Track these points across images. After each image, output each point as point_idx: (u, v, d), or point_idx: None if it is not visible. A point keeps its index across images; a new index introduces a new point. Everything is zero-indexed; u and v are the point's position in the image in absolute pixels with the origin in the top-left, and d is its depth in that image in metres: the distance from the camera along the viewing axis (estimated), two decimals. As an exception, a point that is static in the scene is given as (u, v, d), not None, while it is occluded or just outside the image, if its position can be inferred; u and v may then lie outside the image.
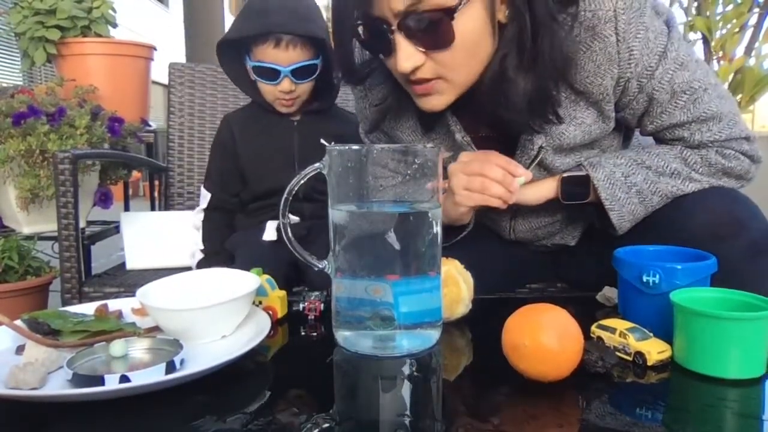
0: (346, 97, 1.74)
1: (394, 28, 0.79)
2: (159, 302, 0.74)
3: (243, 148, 1.32)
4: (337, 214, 0.71)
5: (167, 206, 1.73)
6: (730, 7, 2.46)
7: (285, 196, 0.74)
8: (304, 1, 1.25)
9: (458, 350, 0.78)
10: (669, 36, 0.88)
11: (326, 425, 0.53)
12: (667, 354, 0.66)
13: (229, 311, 0.73)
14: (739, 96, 2.46)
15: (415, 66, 0.81)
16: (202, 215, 1.34)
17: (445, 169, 0.93)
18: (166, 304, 0.74)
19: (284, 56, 1.21)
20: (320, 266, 0.75)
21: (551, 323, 0.61)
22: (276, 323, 0.83)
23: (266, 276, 0.85)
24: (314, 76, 1.26)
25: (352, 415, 0.57)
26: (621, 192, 0.92)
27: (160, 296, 0.75)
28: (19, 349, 0.68)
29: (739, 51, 2.52)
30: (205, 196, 1.34)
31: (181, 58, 4.81)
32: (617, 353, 0.67)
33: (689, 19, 2.54)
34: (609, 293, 0.91)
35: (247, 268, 0.83)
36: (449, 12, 0.77)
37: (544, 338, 0.59)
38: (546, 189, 0.97)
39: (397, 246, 0.68)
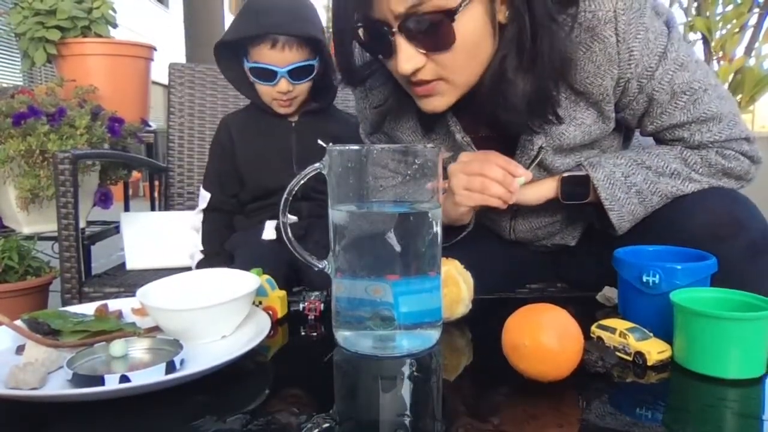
0: (346, 98, 1.74)
1: (394, 30, 0.79)
2: (159, 302, 0.74)
3: (241, 149, 1.33)
4: (337, 214, 0.71)
5: (167, 206, 1.73)
6: (730, 7, 2.46)
7: (285, 196, 0.73)
8: (300, 1, 1.26)
9: (458, 350, 0.78)
10: (669, 36, 0.88)
11: (326, 425, 0.53)
12: (667, 354, 0.66)
13: (229, 311, 0.73)
14: (739, 96, 2.46)
15: (416, 68, 0.81)
16: (201, 216, 1.34)
17: (445, 169, 0.93)
18: (166, 304, 0.74)
19: (281, 57, 1.21)
20: (320, 266, 0.75)
21: (551, 323, 0.61)
22: (276, 323, 0.83)
23: (266, 276, 0.85)
24: (311, 77, 1.27)
25: (352, 415, 0.57)
26: (621, 192, 0.92)
27: (160, 296, 0.75)
28: (19, 349, 0.68)
29: (739, 51, 2.52)
30: (204, 197, 1.34)
31: (181, 58, 4.82)
32: (617, 353, 0.67)
33: (689, 19, 2.54)
34: (609, 293, 0.91)
35: (247, 268, 0.83)
36: (450, 14, 0.77)
37: (544, 338, 0.59)
38: (546, 189, 0.97)
39: (397, 246, 0.68)
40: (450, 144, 1.00)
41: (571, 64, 0.86)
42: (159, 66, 2.00)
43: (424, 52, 0.81)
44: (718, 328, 0.62)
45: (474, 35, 0.80)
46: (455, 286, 0.80)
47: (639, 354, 0.66)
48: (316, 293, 0.87)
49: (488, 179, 0.89)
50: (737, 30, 2.48)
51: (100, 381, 0.57)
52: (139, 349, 0.68)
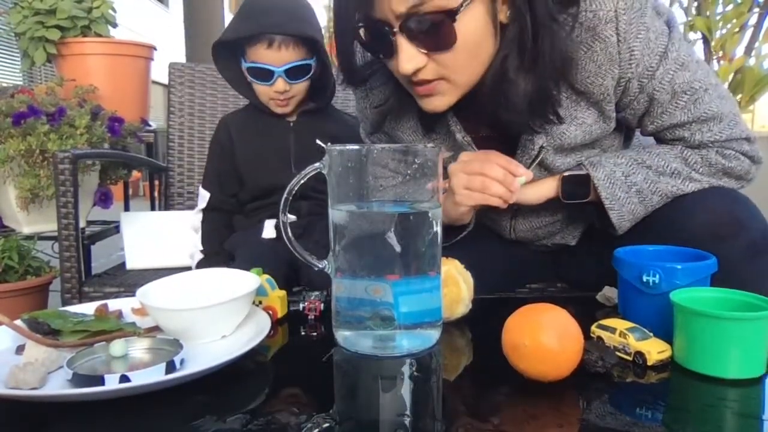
0: (346, 98, 1.74)
1: (395, 29, 0.79)
2: (159, 302, 0.74)
3: (240, 149, 1.33)
4: (337, 214, 0.71)
5: (167, 206, 1.73)
6: (730, 7, 2.46)
7: (285, 195, 0.73)
8: (297, 1, 1.26)
9: (458, 350, 0.78)
10: (670, 36, 0.88)
11: (326, 425, 0.53)
12: (667, 354, 0.66)
13: (229, 311, 0.73)
14: (739, 96, 2.46)
15: (417, 67, 0.81)
16: (200, 216, 1.34)
17: (445, 169, 0.94)
18: (166, 304, 0.74)
19: (277, 56, 1.22)
20: (320, 266, 0.75)
21: (551, 323, 0.61)
22: (276, 323, 0.83)
23: (266, 276, 0.85)
24: (308, 76, 1.27)
25: (352, 415, 0.57)
26: (621, 191, 0.92)
27: (160, 296, 0.75)
28: (19, 349, 0.68)
29: (739, 51, 2.52)
30: (204, 197, 1.35)
31: (181, 58, 4.81)
32: (617, 353, 0.67)
33: (689, 19, 2.54)
34: (609, 293, 0.91)
35: (248, 268, 0.83)
36: (451, 14, 0.77)
37: (544, 338, 0.59)
38: (546, 188, 0.97)
39: (397, 246, 0.68)
40: (450, 144, 1.00)
41: (572, 63, 0.86)
42: (159, 66, 2.00)
43: (425, 52, 0.81)
44: (718, 328, 0.62)
45: (475, 35, 0.80)
46: (455, 286, 0.80)
47: (639, 354, 0.66)
48: (316, 293, 0.87)
49: (489, 179, 0.89)
50: (737, 30, 2.48)
51: (100, 381, 0.57)
52: (139, 349, 0.68)
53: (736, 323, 0.62)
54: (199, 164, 1.72)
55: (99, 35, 1.94)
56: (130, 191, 2.19)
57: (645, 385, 0.63)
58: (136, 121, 1.86)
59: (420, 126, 1.01)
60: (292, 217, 1.26)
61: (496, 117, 0.89)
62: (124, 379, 0.57)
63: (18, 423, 0.57)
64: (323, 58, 1.27)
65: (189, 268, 1.31)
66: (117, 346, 0.66)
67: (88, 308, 0.80)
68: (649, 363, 0.65)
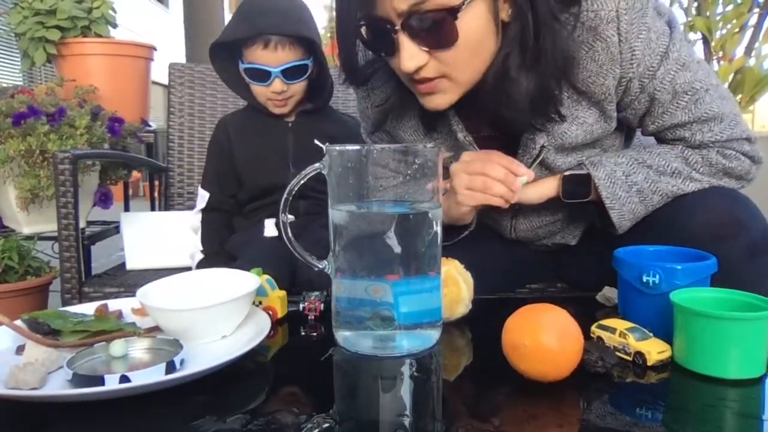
0: (345, 98, 1.74)
1: (397, 27, 0.80)
2: (159, 302, 0.74)
3: (239, 149, 1.34)
4: (337, 214, 0.71)
5: (167, 206, 1.73)
6: (730, 7, 2.47)
7: (285, 196, 0.73)
8: (294, 2, 1.27)
9: (458, 350, 0.78)
10: (671, 36, 0.88)
11: (326, 425, 0.53)
12: (667, 354, 0.66)
13: (229, 311, 0.73)
14: (739, 96, 2.46)
15: (419, 65, 0.81)
16: (199, 216, 1.35)
17: (446, 169, 0.94)
18: (166, 304, 0.74)
19: (274, 57, 1.22)
20: (320, 266, 0.75)
21: (551, 323, 0.61)
22: (276, 323, 0.83)
23: (266, 276, 0.85)
24: (305, 77, 1.28)
25: (352, 415, 0.57)
26: (621, 191, 0.92)
27: (160, 296, 0.75)
28: (19, 349, 0.68)
29: (739, 51, 2.52)
30: (203, 197, 1.35)
31: (181, 58, 4.82)
32: (617, 353, 0.67)
33: (689, 19, 2.54)
34: (609, 293, 0.91)
35: (253, 266, 0.84)
36: (453, 11, 0.77)
37: (544, 338, 0.59)
38: (547, 187, 0.97)
39: (397, 246, 0.68)
40: (452, 143, 1.00)
41: (573, 62, 0.86)
42: (159, 66, 2.00)
43: (427, 49, 0.81)
44: (718, 328, 0.62)
45: (477, 33, 0.80)
46: (455, 286, 0.80)
47: (639, 354, 0.66)
48: (316, 293, 0.87)
49: (490, 178, 0.89)
50: (737, 30, 2.48)
51: (100, 381, 0.57)
52: (139, 349, 0.68)
53: (736, 323, 0.62)
54: (199, 164, 1.72)
55: (99, 35, 1.94)
56: (130, 191, 2.19)
57: (645, 385, 0.63)
58: (136, 121, 1.86)
59: (421, 125, 1.01)
60: (290, 217, 1.26)
61: (498, 115, 0.89)
62: (124, 379, 0.57)
63: (18, 423, 0.57)
64: (320, 58, 1.28)
65: (189, 268, 1.31)
66: (117, 346, 0.66)
67: (88, 308, 0.80)
68: (649, 363, 0.65)
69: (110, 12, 1.98)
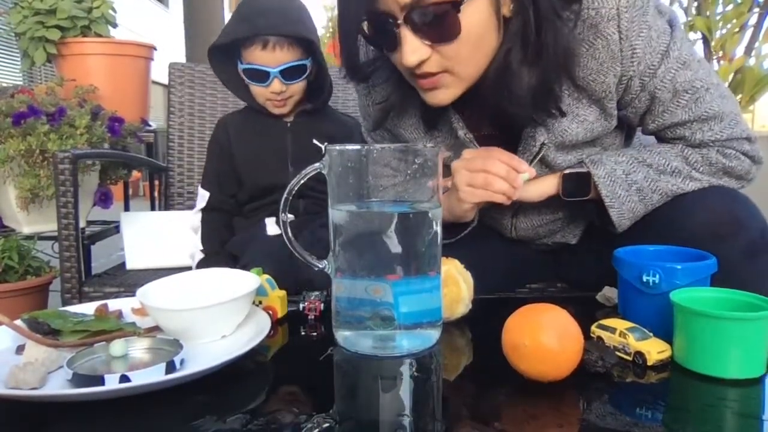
0: (345, 98, 1.74)
1: (400, 21, 0.80)
2: (159, 302, 0.74)
3: (238, 149, 1.34)
4: (337, 214, 0.71)
5: (167, 206, 1.73)
6: (730, 7, 2.47)
7: (285, 195, 0.74)
8: (291, 3, 1.27)
9: (458, 350, 0.78)
10: (672, 35, 0.88)
11: (326, 425, 0.53)
12: (667, 354, 0.66)
13: (229, 311, 0.73)
14: (739, 96, 2.46)
15: (421, 59, 0.81)
16: (199, 216, 1.35)
17: (447, 167, 0.94)
18: (166, 304, 0.74)
19: (272, 57, 1.23)
20: (320, 266, 0.75)
21: (551, 323, 0.61)
22: (276, 323, 0.83)
23: (266, 276, 0.85)
24: (304, 77, 1.28)
25: (352, 415, 0.57)
26: (621, 190, 0.92)
27: (160, 296, 0.75)
28: (19, 349, 0.68)
29: (739, 51, 2.52)
30: (203, 196, 1.35)
31: (181, 58, 4.82)
32: (617, 353, 0.67)
33: (689, 19, 2.55)
34: (609, 293, 0.91)
35: (256, 265, 0.84)
36: (455, 5, 0.77)
37: (544, 338, 0.59)
38: (547, 185, 0.97)
39: (397, 246, 0.68)
40: (452, 141, 1.00)
41: (574, 58, 0.86)
42: (159, 66, 2.00)
43: (429, 43, 0.81)
44: (718, 328, 0.62)
45: (479, 27, 0.80)
46: (455, 286, 0.80)
47: (639, 354, 0.66)
48: (316, 293, 0.87)
49: (491, 175, 0.89)
50: (737, 30, 2.48)
51: (100, 381, 0.57)
52: (139, 349, 0.68)
53: (736, 323, 0.62)
54: (199, 164, 1.72)
55: (99, 35, 1.93)
56: (130, 191, 2.19)
57: (645, 385, 0.63)
58: (136, 121, 1.86)
59: (422, 123, 1.02)
60: (290, 217, 1.27)
61: (500, 110, 0.89)
62: (124, 379, 0.57)
63: (18, 423, 0.57)
64: (319, 58, 1.28)
65: (189, 268, 1.31)
66: (117, 346, 0.66)
67: (88, 308, 0.80)
68: (649, 363, 0.65)
69: (110, 12, 1.98)
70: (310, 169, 0.73)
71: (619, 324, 0.70)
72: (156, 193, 1.90)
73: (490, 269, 0.96)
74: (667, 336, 0.68)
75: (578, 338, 0.61)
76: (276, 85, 1.25)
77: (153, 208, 1.92)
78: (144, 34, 5.91)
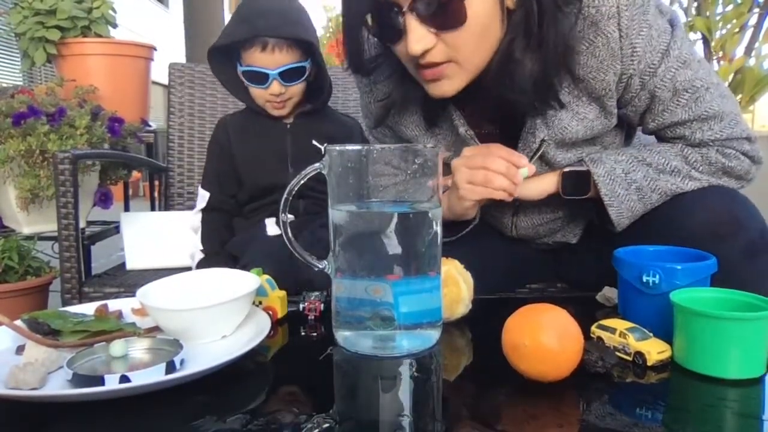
0: (345, 98, 1.74)
1: (405, 10, 0.80)
2: (159, 302, 0.74)
3: (238, 150, 1.35)
4: (337, 214, 0.71)
5: (167, 206, 1.73)
6: (730, 7, 2.47)
7: (285, 196, 0.74)
8: (290, 5, 1.28)
9: (458, 350, 0.78)
10: (672, 34, 0.88)
11: (326, 425, 0.53)
12: (667, 354, 0.66)
13: (229, 311, 0.73)
14: (739, 96, 2.46)
15: (426, 48, 0.81)
16: (199, 216, 1.35)
17: (447, 165, 0.94)
18: (166, 304, 0.74)
19: (271, 59, 1.23)
20: (320, 266, 0.75)
21: (551, 323, 0.61)
22: (276, 323, 0.83)
23: (266, 276, 0.85)
24: (303, 78, 1.28)
25: (352, 415, 0.57)
26: (621, 188, 0.92)
27: (160, 296, 0.75)
28: (19, 349, 0.68)
29: (739, 51, 2.53)
30: (203, 197, 1.35)
31: (181, 58, 4.81)
32: (617, 353, 0.67)
33: (689, 19, 2.55)
34: (609, 293, 0.91)
35: (257, 265, 0.84)
36: None
37: (544, 338, 0.59)
38: (547, 183, 0.97)
39: (397, 246, 0.68)
40: (453, 138, 1.00)
41: (573, 52, 0.87)
42: (159, 66, 2.00)
43: (435, 31, 0.81)
44: (718, 328, 0.62)
45: (484, 16, 0.81)
46: (455, 286, 0.80)
47: (639, 354, 0.66)
48: (316, 293, 0.87)
49: (491, 172, 0.90)
50: (737, 30, 2.48)
51: (100, 381, 0.57)
52: (139, 349, 0.68)
53: (736, 323, 0.62)
54: (199, 164, 1.72)
55: (99, 35, 1.93)
56: (130, 191, 2.19)
57: (645, 385, 0.63)
58: (136, 121, 1.86)
59: (423, 121, 1.02)
60: (290, 217, 1.27)
61: (501, 101, 0.89)
62: (124, 379, 0.57)
63: (18, 423, 0.57)
64: (318, 60, 1.29)
65: (189, 268, 1.31)
66: (117, 347, 0.66)
67: (88, 308, 0.80)
68: (649, 363, 0.65)
69: (110, 12, 1.98)
70: (310, 170, 0.73)
71: (619, 324, 0.70)
72: (156, 194, 1.90)
73: (490, 269, 0.96)
74: (667, 336, 0.68)
75: (578, 338, 0.61)
76: (275, 87, 1.25)
77: (153, 209, 1.92)
78: (144, 34, 5.91)
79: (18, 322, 0.71)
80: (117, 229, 1.70)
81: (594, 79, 0.89)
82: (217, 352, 0.67)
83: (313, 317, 0.85)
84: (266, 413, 0.55)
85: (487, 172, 0.90)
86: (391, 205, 0.71)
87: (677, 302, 0.66)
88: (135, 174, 2.92)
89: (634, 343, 0.67)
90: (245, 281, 0.78)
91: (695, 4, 2.54)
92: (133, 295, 0.75)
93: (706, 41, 2.52)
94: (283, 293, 0.86)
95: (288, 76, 1.25)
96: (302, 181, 0.74)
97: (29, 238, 1.62)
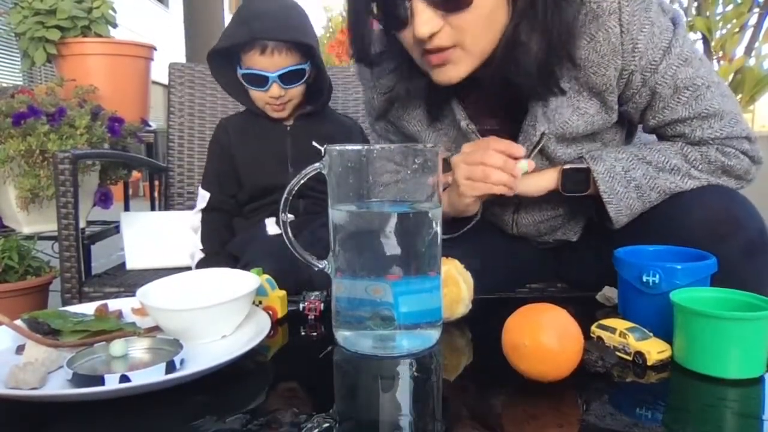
0: (345, 99, 1.74)
1: None
2: (159, 302, 0.74)
3: (238, 151, 1.35)
4: (337, 214, 0.71)
5: (167, 206, 1.74)
6: (730, 7, 2.47)
7: (285, 195, 0.74)
8: (289, 7, 1.28)
9: (458, 350, 0.78)
10: (675, 32, 0.89)
11: (326, 425, 0.53)
12: (667, 354, 0.66)
13: (229, 311, 0.73)
14: (739, 96, 2.46)
15: (433, 31, 0.81)
16: (199, 216, 1.35)
17: (448, 163, 0.94)
18: (166, 304, 0.74)
19: (271, 62, 1.23)
20: (320, 266, 0.75)
21: (551, 323, 0.61)
22: (276, 323, 0.83)
23: (266, 276, 0.85)
24: (303, 81, 1.29)
25: (352, 415, 0.57)
26: (620, 186, 0.93)
27: (160, 296, 0.75)
28: (19, 349, 0.68)
29: (739, 51, 2.53)
30: (204, 197, 1.35)
31: (181, 58, 4.81)
32: (617, 353, 0.67)
33: (689, 19, 2.55)
34: (609, 293, 0.91)
35: (257, 264, 0.84)
36: None
37: (544, 338, 0.59)
38: (546, 180, 0.97)
39: (397, 246, 0.68)
40: (455, 134, 1.01)
41: (575, 42, 0.87)
42: (159, 66, 2.00)
43: (442, 14, 0.81)
44: (718, 328, 0.62)
45: (490, 0, 0.81)
46: (455, 286, 0.80)
47: (639, 354, 0.66)
48: (316, 293, 0.87)
49: (489, 167, 0.90)
50: (737, 30, 2.49)
51: (100, 381, 0.57)
52: (139, 349, 0.68)
53: (736, 323, 0.62)
54: (199, 164, 1.72)
55: (99, 35, 1.94)
56: (130, 191, 2.19)
57: (645, 385, 0.63)
58: (136, 121, 1.86)
59: (425, 116, 1.02)
60: (290, 216, 1.27)
61: (504, 87, 0.89)
62: (124, 379, 0.57)
63: (18, 423, 0.57)
64: (317, 62, 1.29)
65: (189, 268, 1.31)
66: (117, 346, 0.66)
67: (88, 308, 0.80)
68: (649, 363, 0.65)
69: (110, 12, 1.98)
70: (310, 169, 0.73)
71: (619, 324, 0.70)
72: (156, 193, 1.90)
73: (490, 269, 0.96)
74: (667, 336, 0.68)
75: (578, 338, 0.61)
76: (275, 89, 1.26)
77: (153, 208, 1.92)
78: (144, 34, 5.91)
79: (18, 322, 0.71)
80: (117, 229, 1.70)
81: (595, 74, 0.89)
82: (217, 352, 0.67)
83: (313, 317, 0.85)
84: (266, 413, 0.55)
85: (485, 167, 0.90)
86: (391, 205, 0.71)
87: (677, 302, 0.66)
88: (135, 174, 2.92)
89: (634, 342, 0.67)
90: (245, 281, 0.78)
91: (695, 4, 2.54)
92: (133, 295, 0.75)
93: (706, 41, 2.52)
94: (283, 293, 0.86)
95: (287, 78, 1.26)
96: (302, 181, 0.74)
97: (29, 237, 1.62)
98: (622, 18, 0.85)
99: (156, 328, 0.74)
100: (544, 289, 1.20)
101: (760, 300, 0.66)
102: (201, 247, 1.32)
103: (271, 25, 1.22)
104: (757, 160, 0.96)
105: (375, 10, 0.86)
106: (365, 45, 0.93)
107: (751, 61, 2.52)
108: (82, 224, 1.58)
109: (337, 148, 0.70)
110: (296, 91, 1.29)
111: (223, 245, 1.31)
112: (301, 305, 0.86)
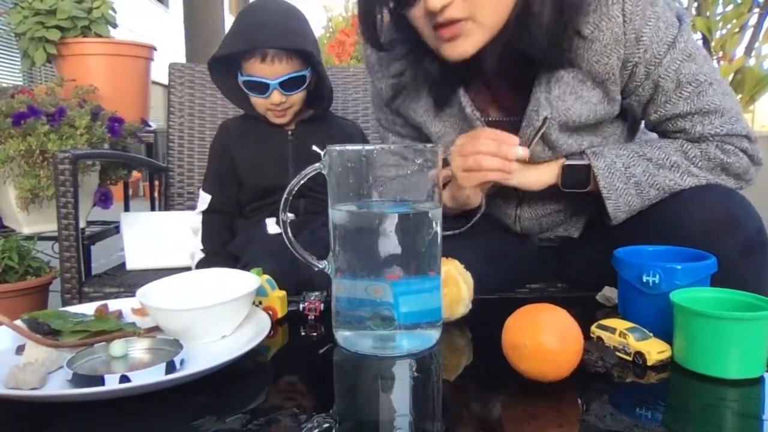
0: (345, 99, 1.74)
1: None
2: (159, 302, 0.74)
3: (239, 154, 1.36)
4: (337, 214, 0.71)
5: (167, 206, 1.73)
6: (730, 7, 2.47)
7: (285, 196, 0.74)
8: (290, 15, 1.28)
9: (458, 350, 0.78)
10: (680, 29, 0.90)
11: (326, 425, 0.53)
12: (667, 354, 0.66)
13: (229, 311, 0.73)
14: (739, 96, 2.46)
15: (444, 3, 0.81)
16: (200, 218, 1.35)
17: (448, 163, 0.95)
18: (166, 304, 0.74)
19: (271, 70, 1.24)
20: (320, 266, 0.75)
21: (551, 323, 0.61)
22: (276, 323, 0.83)
23: (266, 276, 0.85)
24: (303, 87, 1.29)
25: (352, 415, 0.57)
26: (619, 182, 0.94)
27: (160, 296, 0.75)
28: (19, 349, 0.68)
29: (739, 51, 2.53)
30: (204, 199, 1.36)
31: (181, 58, 4.82)
32: (617, 353, 0.67)
33: (689, 19, 2.55)
34: (609, 293, 0.91)
35: (257, 264, 0.84)
36: None
37: (544, 338, 0.59)
38: (547, 175, 0.98)
39: (397, 246, 0.68)
40: (460, 125, 1.02)
41: (583, 16, 0.87)
42: (159, 66, 2.00)
43: None
44: (718, 328, 0.62)
45: None
46: (455, 286, 0.80)
47: (639, 354, 0.66)
48: (316, 293, 0.87)
49: (482, 155, 0.91)
50: (737, 30, 2.49)
51: (100, 381, 0.57)
52: (139, 349, 0.68)
53: (736, 323, 0.62)
54: (199, 164, 1.72)
55: (99, 35, 1.93)
56: (130, 191, 2.19)
57: (645, 385, 0.63)
58: (136, 121, 1.86)
59: (432, 106, 1.03)
60: (290, 216, 1.27)
61: (516, 60, 0.89)
62: (124, 379, 0.57)
63: (18, 423, 0.57)
64: (318, 68, 1.29)
65: (189, 268, 1.31)
66: (117, 346, 0.66)
67: (88, 308, 0.80)
68: (649, 363, 0.65)
69: (110, 12, 1.98)
70: (310, 169, 0.73)
71: (619, 324, 0.70)
72: (156, 194, 1.90)
73: (490, 269, 0.96)
74: (667, 336, 0.68)
75: (578, 338, 0.61)
76: (276, 96, 1.26)
77: (153, 209, 1.92)
78: (144, 34, 5.91)
79: (18, 322, 0.71)
80: (117, 229, 1.70)
81: (597, 63, 0.90)
82: (217, 352, 0.67)
83: (313, 317, 0.85)
84: (266, 413, 0.55)
85: (478, 155, 0.91)
86: (391, 205, 0.71)
87: (677, 302, 0.66)
88: (135, 174, 2.92)
89: (634, 343, 0.67)
90: (245, 281, 0.78)
91: (695, 4, 2.54)
92: (133, 295, 0.75)
93: (706, 41, 2.52)
94: (283, 293, 0.86)
95: (288, 85, 1.26)
96: (302, 181, 0.74)
97: (29, 238, 1.62)
98: (626, 8, 0.87)
99: (156, 329, 0.74)
100: (544, 289, 1.20)
101: (760, 300, 0.66)
102: (201, 248, 1.32)
103: (271, 33, 1.23)
104: (756, 161, 0.96)
105: None
106: (376, 29, 0.93)
107: (751, 61, 2.52)
108: (82, 224, 1.58)
109: (337, 148, 0.70)
110: (297, 97, 1.30)
111: (224, 246, 1.32)
112: (301, 305, 0.86)
